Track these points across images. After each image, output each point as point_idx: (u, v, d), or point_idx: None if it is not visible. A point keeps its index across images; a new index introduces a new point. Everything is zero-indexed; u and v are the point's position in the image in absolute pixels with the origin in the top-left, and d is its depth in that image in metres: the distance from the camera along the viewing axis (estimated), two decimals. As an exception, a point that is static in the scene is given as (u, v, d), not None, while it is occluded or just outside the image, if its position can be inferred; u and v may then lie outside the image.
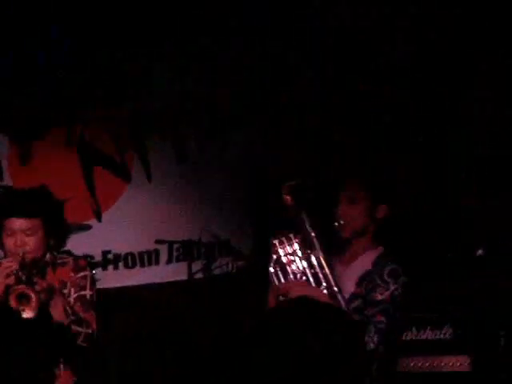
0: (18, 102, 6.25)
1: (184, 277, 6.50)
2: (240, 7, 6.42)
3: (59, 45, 6.23)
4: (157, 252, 6.68)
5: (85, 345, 3.86)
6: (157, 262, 6.68)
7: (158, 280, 6.68)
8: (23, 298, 3.67)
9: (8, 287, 3.70)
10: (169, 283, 6.66)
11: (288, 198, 3.58)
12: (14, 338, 3.79)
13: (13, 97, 6.22)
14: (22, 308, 3.66)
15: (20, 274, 3.73)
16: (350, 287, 3.75)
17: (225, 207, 6.78)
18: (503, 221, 6.30)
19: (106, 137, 6.58)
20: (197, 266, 6.43)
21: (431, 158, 6.62)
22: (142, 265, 6.66)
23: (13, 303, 3.67)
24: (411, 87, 6.60)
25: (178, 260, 6.69)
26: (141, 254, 6.65)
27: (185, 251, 6.62)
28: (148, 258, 6.67)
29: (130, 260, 6.63)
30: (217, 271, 6.48)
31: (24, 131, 6.40)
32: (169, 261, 6.70)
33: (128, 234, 6.63)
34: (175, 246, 6.66)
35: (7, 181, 6.35)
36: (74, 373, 3.93)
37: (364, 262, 3.83)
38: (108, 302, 4.22)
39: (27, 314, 3.67)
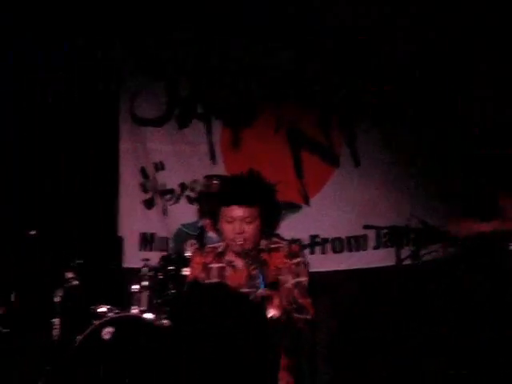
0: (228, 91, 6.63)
1: (391, 262, 6.35)
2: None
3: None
4: (364, 237, 6.69)
5: (305, 330, 3.88)
6: (364, 248, 6.70)
7: (364, 265, 6.67)
8: (265, 300, 3.69)
9: None
10: (375, 269, 6.62)
11: None
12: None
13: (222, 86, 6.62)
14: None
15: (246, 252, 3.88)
16: None
17: (432, 193, 6.65)
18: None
19: (314, 123, 6.71)
20: (405, 252, 6.26)
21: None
22: (350, 250, 6.70)
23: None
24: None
25: (385, 246, 6.68)
26: (348, 238, 6.70)
27: (392, 237, 6.54)
28: (356, 243, 6.70)
29: (338, 244, 6.71)
30: (426, 257, 6.25)
31: (236, 117, 6.73)
32: (376, 246, 6.71)
33: (335, 219, 6.69)
34: (383, 231, 6.65)
35: (220, 165, 6.73)
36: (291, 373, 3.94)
37: None
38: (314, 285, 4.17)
39: (272, 313, 3.67)
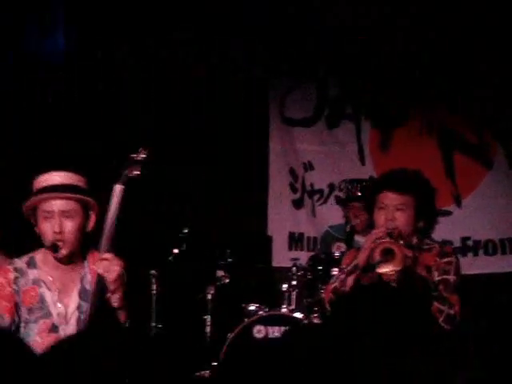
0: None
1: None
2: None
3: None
4: None
5: (445, 326, 3.74)
6: None
7: None
8: (388, 253, 3.62)
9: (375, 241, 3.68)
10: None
11: None
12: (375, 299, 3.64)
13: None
14: (382, 262, 3.61)
15: (391, 233, 3.71)
16: None
17: None
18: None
19: (467, 124, 6.60)
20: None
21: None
22: (504, 252, 6.56)
23: (377, 256, 3.64)
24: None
25: None
26: (502, 241, 6.57)
27: None
28: (510, 246, 6.55)
29: (491, 247, 6.58)
30: None
31: (386, 118, 6.69)
32: None
33: (488, 221, 6.58)
34: None
35: (368, 166, 6.72)
36: None
37: None
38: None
39: (386, 269, 3.61)
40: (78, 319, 3.46)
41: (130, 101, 6.70)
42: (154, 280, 5.74)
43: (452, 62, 6.48)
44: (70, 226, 3.42)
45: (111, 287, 3.37)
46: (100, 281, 3.38)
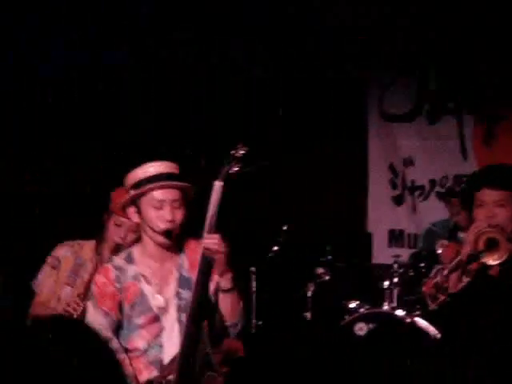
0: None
1: None
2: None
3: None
4: None
5: None
6: None
7: None
8: (492, 243, 3.53)
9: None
10: None
11: None
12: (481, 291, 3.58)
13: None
14: (486, 252, 3.50)
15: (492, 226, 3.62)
16: None
17: None
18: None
19: None
20: None
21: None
22: None
23: (480, 246, 3.54)
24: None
25: None
26: None
27: None
28: None
29: None
30: None
31: (490, 113, 6.53)
32: None
33: None
34: None
35: (471, 161, 6.56)
36: None
37: None
38: None
39: (491, 260, 3.51)
40: (178, 307, 3.53)
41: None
42: (253, 277, 5.72)
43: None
44: (179, 214, 3.50)
45: (220, 268, 3.42)
46: (205, 263, 3.44)
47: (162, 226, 3.47)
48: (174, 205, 3.49)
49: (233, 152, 3.47)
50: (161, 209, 3.48)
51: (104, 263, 3.84)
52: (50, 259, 4.32)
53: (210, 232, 3.44)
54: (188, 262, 3.58)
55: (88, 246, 4.33)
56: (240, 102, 6.82)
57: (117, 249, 4.11)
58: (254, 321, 5.69)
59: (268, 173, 6.17)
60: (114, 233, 4.19)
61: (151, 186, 3.48)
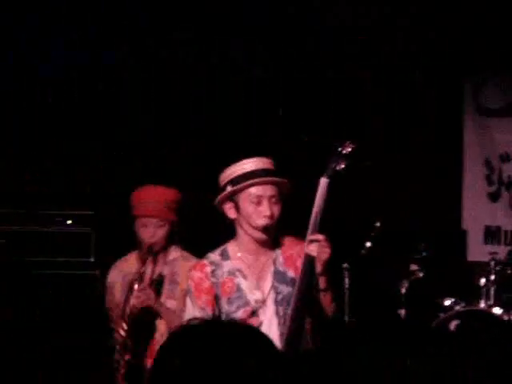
0: None
1: None
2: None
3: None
4: None
5: None
6: None
7: None
8: None
9: None
10: None
11: None
12: None
13: None
14: None
15: None
16: None
17: None
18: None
19: None
20: None
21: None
22: None
23: None
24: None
25: None
26: None
27: None
28: None
29: None
30: None
31: None
32: None
33: None
34: None
35: None
36: None
37: None
38: None
39: None
40: (275, 300, 3.56)
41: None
42: (346, 273, 5.64)
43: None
44: (276, 210, 3.53)
45: (320, 268, 3.42)
46: (309, 262, 3.44)
47: (261, 221, 3.49)
48: (272, 200, 3.51)
49: (340, 149, 3.44)
50: (259, 204, 3.49)
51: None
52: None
53: (314, 230, 3.44)
54: (282, 257, 3.60)
55: (132, 257, 4.26)
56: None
57: (150, 250, 4.06)
58: (346, 317, 5.59)
59: (363, 170, 6.06)
60: (144, 234, 4.13)
61: (249, 182, 3.49)
